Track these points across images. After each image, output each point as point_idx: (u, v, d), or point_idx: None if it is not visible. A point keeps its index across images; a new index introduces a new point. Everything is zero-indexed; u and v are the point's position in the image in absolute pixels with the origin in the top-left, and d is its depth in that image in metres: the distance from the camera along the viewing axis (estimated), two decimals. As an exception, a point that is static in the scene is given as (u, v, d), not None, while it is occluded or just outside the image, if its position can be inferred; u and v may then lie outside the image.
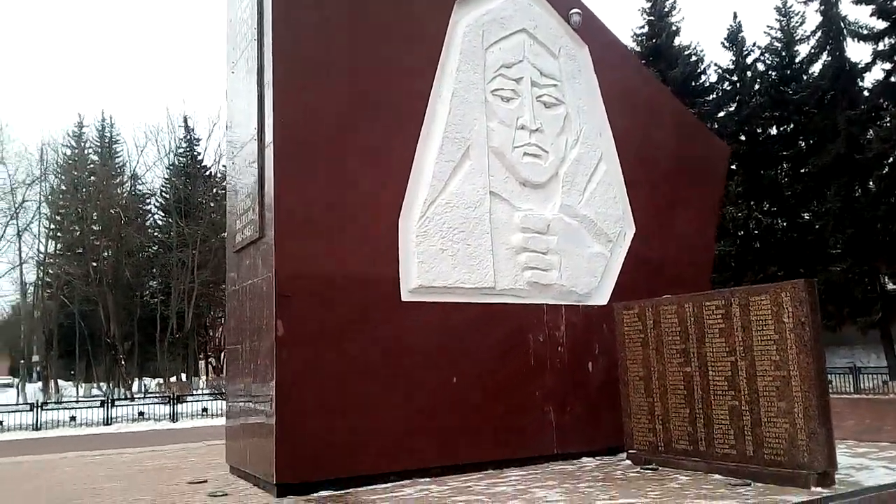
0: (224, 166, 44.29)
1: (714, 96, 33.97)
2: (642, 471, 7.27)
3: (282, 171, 7.22)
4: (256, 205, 7.56)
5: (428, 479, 7.10)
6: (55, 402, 25.27)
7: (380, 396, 7.20)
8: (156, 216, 48.02)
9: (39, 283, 43.54)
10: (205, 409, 23.05)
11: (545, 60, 9.04)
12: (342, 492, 6.67)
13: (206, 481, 7.71)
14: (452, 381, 7.63)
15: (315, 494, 6.60)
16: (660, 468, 7.25)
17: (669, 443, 7.35)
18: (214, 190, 45.48)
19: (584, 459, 8.09)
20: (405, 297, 7.60)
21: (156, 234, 46.47)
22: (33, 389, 37.59)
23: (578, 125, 9.19)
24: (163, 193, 46.97)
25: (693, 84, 33.50)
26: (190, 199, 42.51)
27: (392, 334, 7.41)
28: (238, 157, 8.47)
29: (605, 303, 8.83)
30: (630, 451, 7.83)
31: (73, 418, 21.58)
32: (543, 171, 8.80)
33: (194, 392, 28.51)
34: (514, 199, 8.51)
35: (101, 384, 37.41)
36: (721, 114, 33.07)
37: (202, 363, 47.22)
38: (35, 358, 45.81)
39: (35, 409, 21.40)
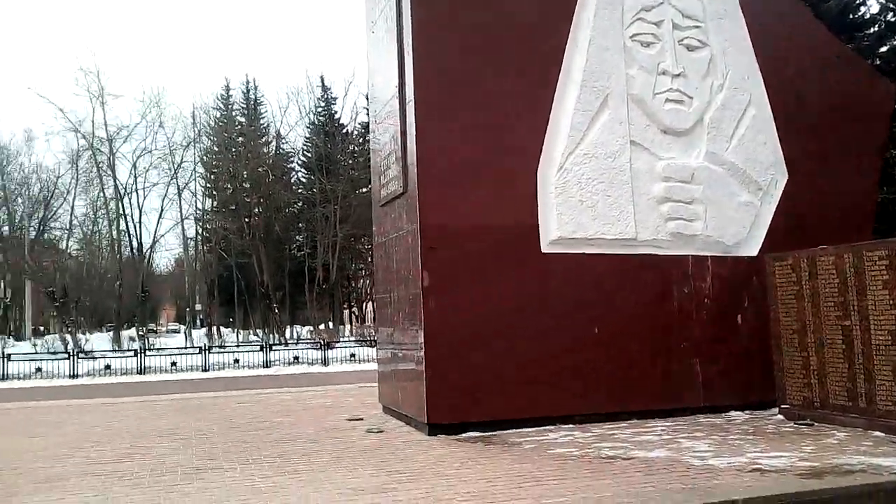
0: (360, 124, 45.84)
1: (875, 29, 30.75)
2: (796, 426, 7.06)
3: (423, 127, 7.46)
4: (399, 160, 7.87)
5: (571, 426, 7.28)
6: (219, 347, 27.68)
7: (523, 345, 7.40)
8: (299, 174, 50.51)
9: (199, 237, 47.38)
10: (352, 355, 24.48)
11: (687, 1, 8.63)
12: (489, 433, 6.99)
13: (362, 419, 8.31)
14: (594, 331, 7.69)
15: (464, 434, 6.98)
16: (815, 424, 7.01)
17: (826, 399, 7.07)
18: (351, 147, 47.20)
19: (733, 413, 7.93)
20: (545, 248, 7.70)
21: (300, 190, 48.94)
22: (199, 335, 41.28)
23: (724, 68, 8.74)
24: (304, 152, 49.23)
25: (851, 17, 30.46)
26: (330, 156, 44.36)
27: (533, 284, 7.57)
28: (380, 115, 8.80)
29: (754, 254, 8.49)
30: (783, 406, 7.60)
31: (236, 361, 23.64)
32: (687, 117, 8.49)
33: (341, 339, 30.20)
34: (655, 148, 8.30)
35: (258, 331, 40.39)
36: (883, 48, 29.97)
37: (346, 312, 49.78)
38: (198, 306, 50.20)
39: (203, 352, 23.63)
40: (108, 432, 7.99)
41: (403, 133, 7.81)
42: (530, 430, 7.13)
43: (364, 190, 44.32)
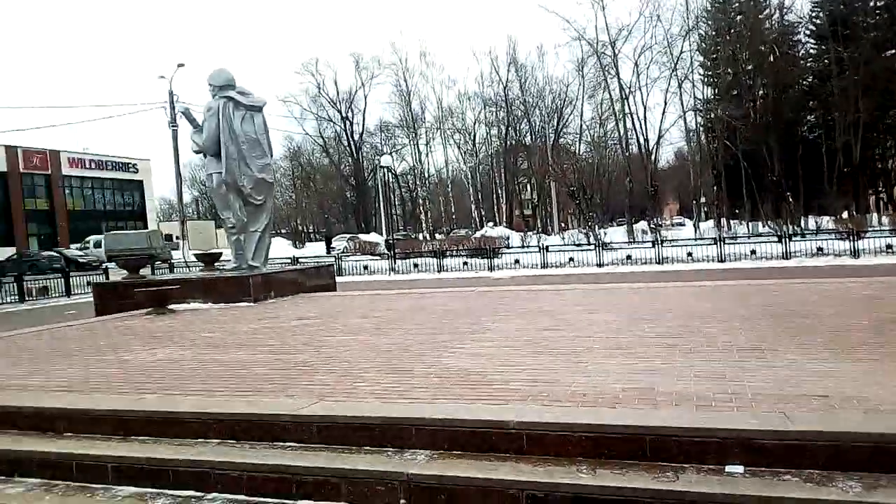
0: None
1: None
2: None
3: None
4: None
5: None
6: (731, 238, 27.52)
7: None
8: (807, 45, 45.41)
9: (701, 128, 46.97)
10: (889, 246, 21.65)
11: None
12: None
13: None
14: None
15: None
16: None
17: None
18: (873, 2, 40.21)
19: None
20: None
21: (809, 64, 44.16)
22: (706, 227, 41.59)
23: None
24: (813, 19, 43.88)
25: None
26: (845, 18, 38.68)
27: None
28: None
29: None
30: None
31: (752, 252, 23.23)
32: None
33: (870, 228, 26.94)
34: None
35: (768, 222, 38.55)
36: None
37: (872, 198, 43.87)
38: (703, 199, 50.37)
39: (717, 243, 23.85)
40: (656, 312, 8.73)
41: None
42: None
43: (893, 52, 37.72)
